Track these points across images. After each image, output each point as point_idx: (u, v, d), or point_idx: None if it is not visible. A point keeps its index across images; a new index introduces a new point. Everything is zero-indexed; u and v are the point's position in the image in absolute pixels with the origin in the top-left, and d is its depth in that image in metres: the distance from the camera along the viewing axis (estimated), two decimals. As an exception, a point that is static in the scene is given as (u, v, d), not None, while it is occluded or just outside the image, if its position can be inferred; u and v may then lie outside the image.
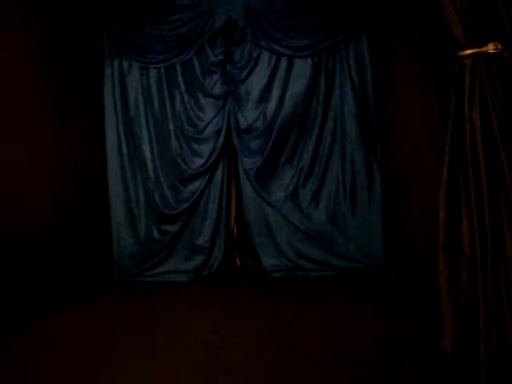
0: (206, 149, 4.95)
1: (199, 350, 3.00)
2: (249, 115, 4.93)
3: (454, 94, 2.07)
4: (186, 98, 4.97)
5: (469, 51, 2.01)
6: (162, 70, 5.04)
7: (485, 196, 1.92)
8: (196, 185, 5.00)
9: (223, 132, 4.95)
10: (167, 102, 5.03)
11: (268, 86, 4.91)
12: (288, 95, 4.88)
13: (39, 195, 3.87)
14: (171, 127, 5.03)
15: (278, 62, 4.89)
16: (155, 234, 5.05)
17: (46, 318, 3.68)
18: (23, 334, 3.35)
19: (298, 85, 4.86)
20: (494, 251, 1.93)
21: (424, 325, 3.02)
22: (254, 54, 4.90)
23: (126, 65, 5.11)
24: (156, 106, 5.08)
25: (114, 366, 2.83)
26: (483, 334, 1.93)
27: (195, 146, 4.99)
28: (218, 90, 4.95)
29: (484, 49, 1.99)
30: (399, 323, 3.24)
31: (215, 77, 4.94)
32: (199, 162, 4.96)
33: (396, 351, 2.83)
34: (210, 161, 4.93)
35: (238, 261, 5.33)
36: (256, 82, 4.92)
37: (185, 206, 4.97)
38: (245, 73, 4.91)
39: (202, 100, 4.97)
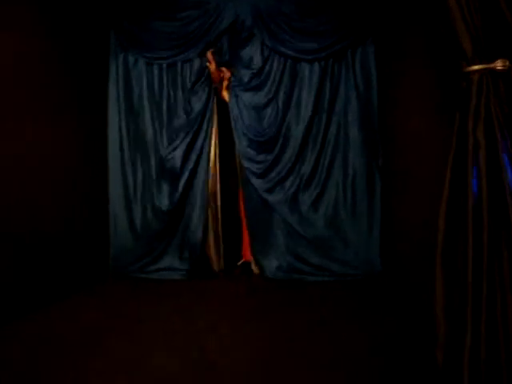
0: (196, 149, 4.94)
1: (189, 351, 3.00)
2: (256, 119, 4.90)
3: (459, 109, 2.08)
4: (188, 96, 4.96)
5: (476, 67, 2.01)
6: (165, 65, 5.02)
7: (484, 214, 1.93)
8: (194, 182, 4.99)
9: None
10: (170, 99, 5.03)
11: (275, 91, 4.89)
12: (294, 100, 4.87)
13: (38, 187, 3.88)
14: (173, 124, 5.03)
15: (284, 66, 4.87)
16: (151, 229, 5.05)
17: (36, 313, 3.70)
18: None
19: (304, 89, 4.85)
20: (490, 269, 1.94)
21: (417, 334, 3.04)
22: (262, 56, 4.89)
23: (131, 60, 5.11)
24: (159, 102, 5.07)
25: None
26: (468, 350, 1.95)
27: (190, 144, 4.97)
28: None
29: (492, 65, 1.99)
30: (392, 332, 3.22)
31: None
32: (192, 161, 4.94)
33: (386, 360, 2.81)
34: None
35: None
36: (262, 85, 4.90)
37: (179, 202, 4.96)
38: (250, 75, 4.90)
39: (206, 100, 4.94)
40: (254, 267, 5.06)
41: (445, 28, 2.10)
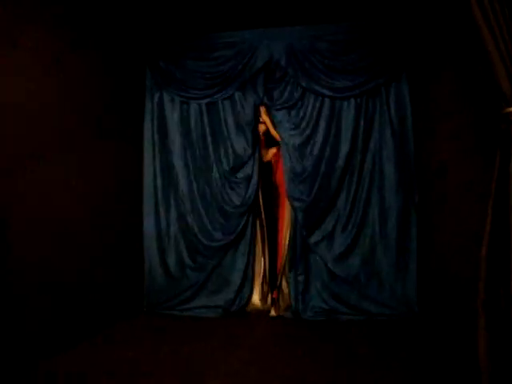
0: (244, 187, 4.98)
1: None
2: (297, 157, 4.89)
3: (499, 150, 2.02)
4: (228, 134, 5.04)
5: (516, 108, 1.96)
6: (204, 105, 5.10)
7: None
8: (238, 220, 4.98)
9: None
10: (208, 137, 5.10)
11: (312, 129, 4.87)
12: (331, 137, 4.84)
13: (75, 221, 3.92)
14: (212, 162, 5.09)
15: (321, 104, 4.86)
16: (187, 267, 5.08)
17: (64, 352, 3.67)
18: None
19: (341, 126, 4.84)
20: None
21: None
22: (295, 95, 4.90)
23: (166, 99, 5.21)
24: (196, 140, 5.14)
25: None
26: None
27: (238, 182, 5.02)
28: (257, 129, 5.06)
29: (532, 106, 1.94)
30: (427, 379, 3.08)
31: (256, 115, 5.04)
32: (240, 199, 4.98)
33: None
34: (251, 199, 4.93)
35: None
36: (298, 124, 4.91)
37: (223, 240, 4.99)
38: (286, 114, 4.92)
39: (244, 137, 5.00)
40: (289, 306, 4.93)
41: (483, 69, 2.07)
